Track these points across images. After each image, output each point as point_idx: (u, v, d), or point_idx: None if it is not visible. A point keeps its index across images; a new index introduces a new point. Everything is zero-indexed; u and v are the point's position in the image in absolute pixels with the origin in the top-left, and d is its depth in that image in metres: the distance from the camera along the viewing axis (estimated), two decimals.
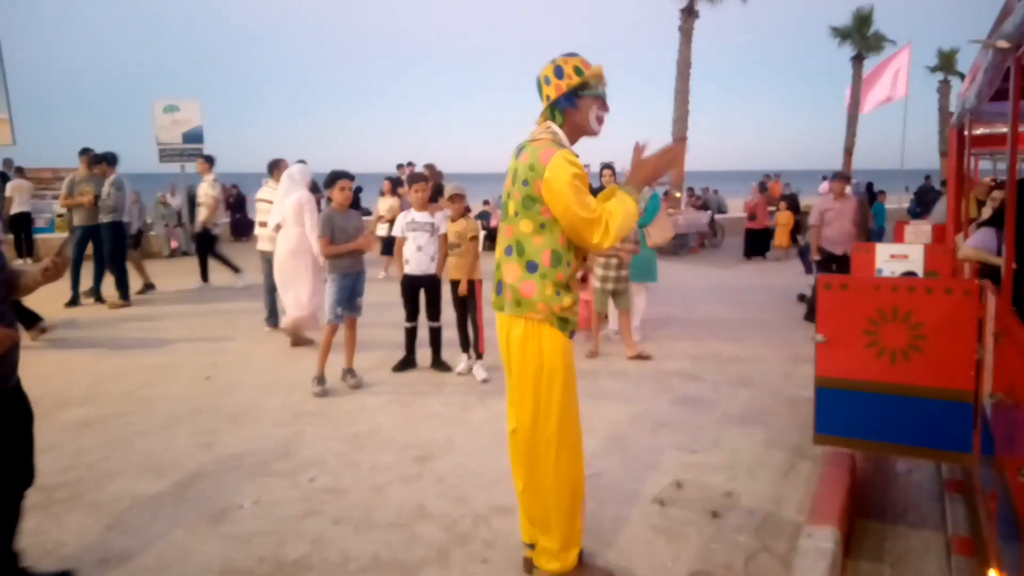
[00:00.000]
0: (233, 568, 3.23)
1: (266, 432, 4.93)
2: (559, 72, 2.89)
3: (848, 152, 28.49)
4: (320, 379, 5.72)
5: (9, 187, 13.86)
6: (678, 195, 18.42)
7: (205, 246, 10.93)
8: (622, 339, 7.05)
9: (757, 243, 15.35)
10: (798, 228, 15.09)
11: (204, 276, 11.10)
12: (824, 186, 20.54)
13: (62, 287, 10.23)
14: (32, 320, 7.55)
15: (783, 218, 15.10)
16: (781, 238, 15.06)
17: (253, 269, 12.99)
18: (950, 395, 3.52)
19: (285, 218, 6.77)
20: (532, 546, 3.13)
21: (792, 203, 15.71)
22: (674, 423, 5.07)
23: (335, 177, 5.79)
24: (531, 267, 2.88)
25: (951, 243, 5.68)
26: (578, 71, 2.87)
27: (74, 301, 9.50)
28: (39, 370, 6.48)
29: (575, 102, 2.91)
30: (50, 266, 2.88)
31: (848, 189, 12.65)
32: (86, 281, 9.65)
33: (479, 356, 6.24)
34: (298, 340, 7.23)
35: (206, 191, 10.59)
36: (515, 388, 2.99)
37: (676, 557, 3.30)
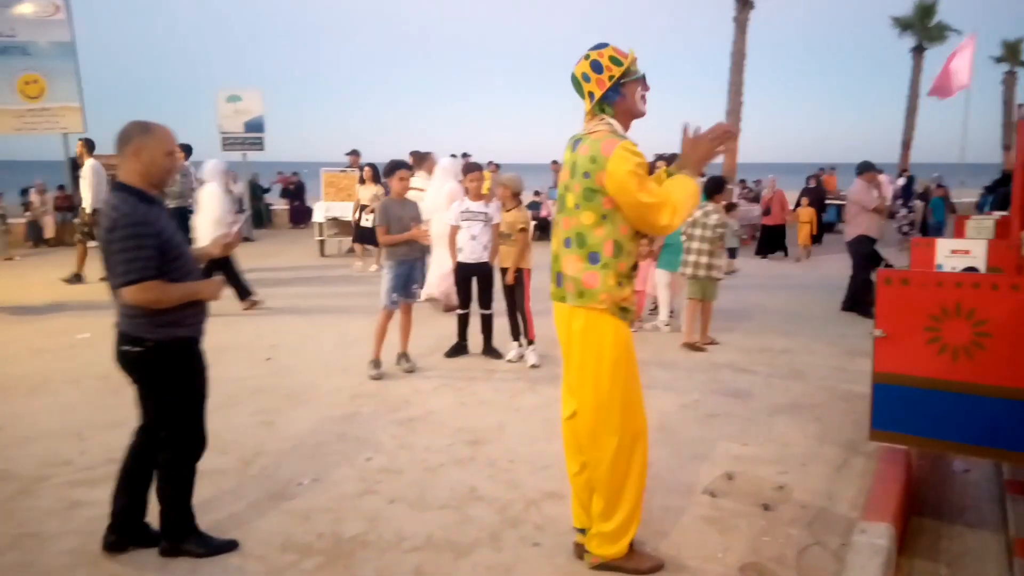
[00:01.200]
0: (294, 543, 3.35)
1: (324, 412, 5.07)
2: (597, 67, 2.89)
3: (906, 145, 27.70)
4: (376, 362, 5.86)
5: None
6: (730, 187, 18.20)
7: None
8: (678, 326, 7.20)
9: (771, 240, 14.23)
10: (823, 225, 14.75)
11: None
12: (882, 178, 20.10)
13: None
14: (245, 293, 8.46)
15: (804, 215, 14.09)
16: (803, 236, 13.94)
17: (308, 252, 13.35)
18: (1015, 394, 3.43)
19: (437, 206, 7.70)
20: (583, 531, 3.18)
21: (816, 198, 15.01)
22: (724, 415, 5.06)
23: (394, 167, 5.92)
24: (593, 258, 2.90)
25: (1016, 239, 5.52)
26: (615, 61, 2.88)
27: None
28: (106, 349, 6.72)
29: (620, 91, 2.92)
30: (230, 241, 3.52)
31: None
32: None
33: (530, 342, 6.32)
34: (449, 307, 7.63)
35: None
36: (575, 377, 3.03)
37: (727, 548, 3.31)
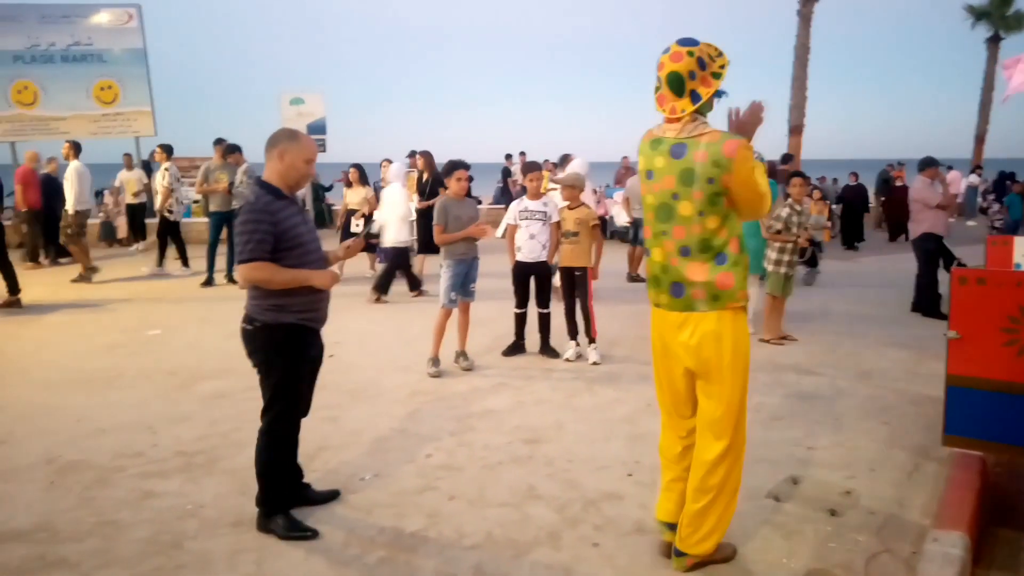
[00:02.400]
0: (356, 537, 3.41)
1: (384, 409, 5.14)
2: (703, 64, 2.76)
3: (980, 140, 26.61)
4: (435, 360, 5.92)
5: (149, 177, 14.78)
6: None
7: (164, 232, 11.05)
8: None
9: None
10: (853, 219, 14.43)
11: (160, 262, 11.22)
12: (953, 174, 19.36)
13: (198, 268, 10.98)
14: (416, 285, 9.37)
15: (815, 209, 13.50)
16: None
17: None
18: None
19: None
20: (672, 526, 3.14)
21: (858, 195, 14.68)
22: (789, 418, 4.95)
23: (452, 167, 5.96)
24: (721, 259, 2.85)
25: None
26: (713, 59, 2.80)
27: (209, 281, 10.17)
28: (176, 345, 6.98)
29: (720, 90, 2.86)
30: (352, 245, 3.81)
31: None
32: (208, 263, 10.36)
33: (591, 340, 6.30)
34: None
35: (159, 180, 10.99)
36: (714, 383, 2.95)
37: (792, 554, 3.24)
